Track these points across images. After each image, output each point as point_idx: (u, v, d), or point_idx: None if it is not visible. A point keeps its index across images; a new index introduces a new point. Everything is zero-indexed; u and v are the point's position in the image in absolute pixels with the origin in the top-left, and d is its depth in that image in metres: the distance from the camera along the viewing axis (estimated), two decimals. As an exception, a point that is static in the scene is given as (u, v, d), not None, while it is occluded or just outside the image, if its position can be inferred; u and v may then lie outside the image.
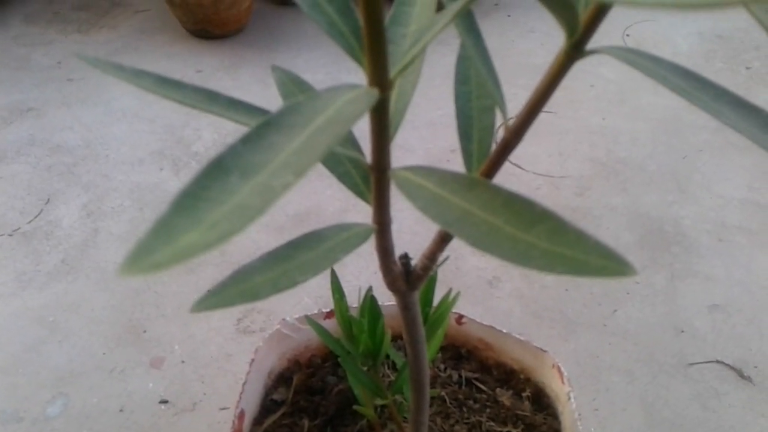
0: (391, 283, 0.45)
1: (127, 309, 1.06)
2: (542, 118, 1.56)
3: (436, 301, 0.58)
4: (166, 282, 1.12)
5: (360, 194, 0.45)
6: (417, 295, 0.47)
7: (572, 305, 1.10)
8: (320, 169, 1.41)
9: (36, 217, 1.24)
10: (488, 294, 1.11)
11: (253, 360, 0.62)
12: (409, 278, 0.45)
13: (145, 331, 1.03)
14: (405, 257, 0.46)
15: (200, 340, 1.01)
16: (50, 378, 0.94)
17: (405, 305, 0.46)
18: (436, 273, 0.55)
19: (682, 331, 1.06)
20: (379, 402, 0.56)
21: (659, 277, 1.17)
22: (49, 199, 1.28)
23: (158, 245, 0.19)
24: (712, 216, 1.28)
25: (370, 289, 0.56)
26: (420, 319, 0.48)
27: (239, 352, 0.99)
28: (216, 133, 1.46)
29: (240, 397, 0.58)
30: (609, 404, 0.94)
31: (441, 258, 0.46)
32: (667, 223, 1.27)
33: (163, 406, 0.91)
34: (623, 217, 1.28)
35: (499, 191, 0.30)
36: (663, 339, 1.05)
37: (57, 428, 0.88)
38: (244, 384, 0.59)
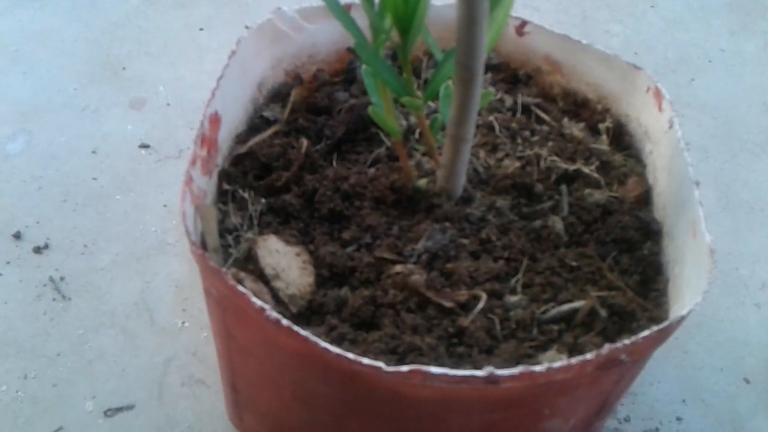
0: None
1: (104, 43, 0.88)
2: None
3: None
4: (151, 17, 0.93)
5: None
6: None
7: (642, 70, 0.91)
8: None
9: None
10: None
11: (233, 52, 0.45)
12: None
13: (124, 69, 0.85)
14: None
15: (190, 83, 0.84)
16: (11, 112, 0.79)
17: None
18: None
19: (773, 107, 0.88)
20: (406, 104, 0.39)
21: (750, 45, 0.95)
22: None
23: None
24: (825, -22, 1.04)
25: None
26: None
27: (236, 97, 0.82)
28: None
29: (213, 95, 0.42)
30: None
31: None
32: (766, -15, 1.03)
33: (143, 151, 0.77)
34: (714, -24, 1.04)
35: None
36: (748, 114, 0.87)
37: (17, 166, 0.74)
38: (219, 79, 0.43)
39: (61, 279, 0.65)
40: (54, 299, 0.63)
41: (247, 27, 0.48)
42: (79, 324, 0.62)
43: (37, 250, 0.67)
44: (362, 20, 0.40)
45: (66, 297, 0.63)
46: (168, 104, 0.82)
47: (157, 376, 0.59)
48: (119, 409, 0.57)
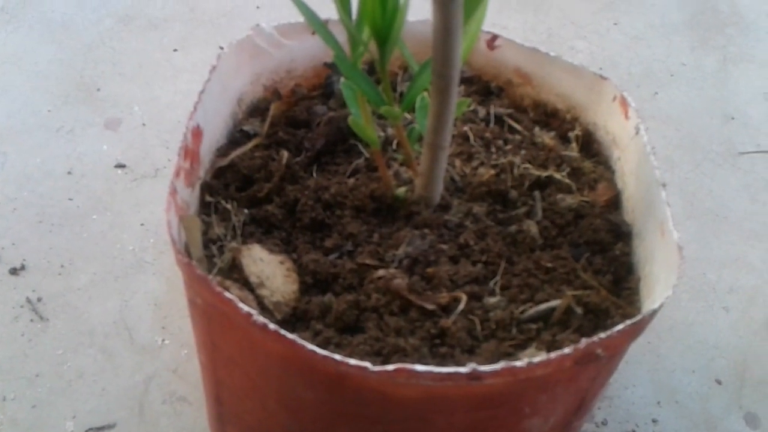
0: None
1: (78, 65, 0.89)
2: None
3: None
4: (125, 38, 0.93)
5: None
6: None
7: (607, 85, 0.94)
8: None
9: (-32, -39, 1.02)
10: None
11: (214, 67, 0.46)
12: None
13: (98, 90, 0.86)
14: None
15: (165, 103, 0.85)
16: (-16, 134, 0.79)
17: None
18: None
19: (733, 118, 0.91)
20: (385, 113, 0.41)
21: (710, 59, 0.99)
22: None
23: None
24: (777, -5, 1.09)
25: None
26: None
27: (212, 116, 0.83)
28: None
29: (195, 109, 0.43)
30: (645, 190, 0.81)
31: None
32: (722, 2, 1.08)
33: (119, 171, 0.77)
34: (673, -7, 1.08)
35: None
36: (710, 125, 0.90)
37: (-8, 188, 0.74)
38: (201, 93, 0.44)
39: (39, 300, 0.64)
40: (31, 320, 0.63)
41: (221, 47, 0.49)
42: (58, 344, 0.61)
43: (14, 271, 0.66)
44: (340, 36, 0.41)
45: (44, 318, 0.63)
46: (143, 124, 0.82)
47: (137, 394, 0.59)
48: (100, 429, 0.56)
